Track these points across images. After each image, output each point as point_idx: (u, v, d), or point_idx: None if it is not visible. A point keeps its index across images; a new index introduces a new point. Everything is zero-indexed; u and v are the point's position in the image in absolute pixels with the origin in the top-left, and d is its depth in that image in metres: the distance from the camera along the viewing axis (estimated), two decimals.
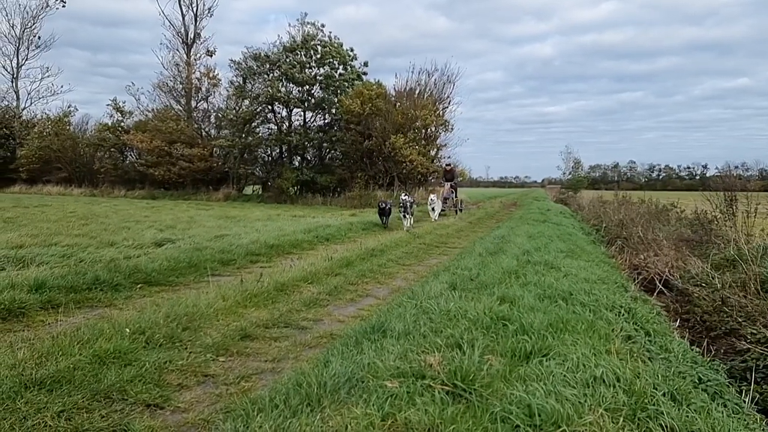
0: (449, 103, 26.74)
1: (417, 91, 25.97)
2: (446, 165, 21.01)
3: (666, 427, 2.34)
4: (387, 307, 4.61)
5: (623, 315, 4.26)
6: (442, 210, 18.08)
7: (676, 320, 5.39)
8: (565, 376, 2.69)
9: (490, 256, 7.37)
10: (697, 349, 3.92)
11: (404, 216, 12.85)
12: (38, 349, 3.21)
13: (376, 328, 3.70)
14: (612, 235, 12.03)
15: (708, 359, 3.77)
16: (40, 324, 4.22)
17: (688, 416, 2.49)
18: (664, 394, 2.64)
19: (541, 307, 4.10)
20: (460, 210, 19.60)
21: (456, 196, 19.78)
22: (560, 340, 3.25)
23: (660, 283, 6.84)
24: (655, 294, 6.50)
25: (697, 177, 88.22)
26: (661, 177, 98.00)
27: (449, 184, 19.53)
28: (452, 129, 26.78)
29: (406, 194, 14.61)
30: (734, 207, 9.42)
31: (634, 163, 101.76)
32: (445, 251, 9.66)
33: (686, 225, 11.50)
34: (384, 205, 12.86)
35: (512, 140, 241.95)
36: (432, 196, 15.99)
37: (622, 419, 2.32)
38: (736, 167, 21.19)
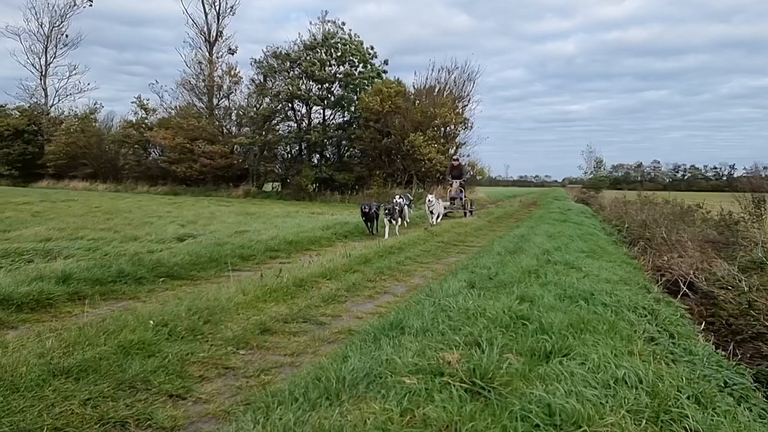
0: (469, 101, 26.65)
1: (437, 89, 25.89)
2: (453, 160, 18.54)
3: (690, 430, 2.30)
4: (405, 304, 4.61)
5: (646, 316, 4.19)
6: (449, 211, 16.58)
7: (701, 323, 5.27)
8: (585, 376, 2.66)
9: (509, 255, 7.31)
10: (723, 353, 3.84)
11: (389, 221, 11.11)
12: (65, 339, 3.29)
13: (394, 325, 3.71)
14: (634, 236, 11.82)
15: (734, 363, 3.68)
16: (66, 315, 4.34)
17: (713, 420, 2.44)
18: (688, 397, 2.59)
19: (561, 306, 4.06)
20: (470, 212, 17.18)
21: (465, 196, 17.57)
22: (581, 341, 3.21)
23: (684, 285, 6.70)
24: (678, 296, 6.37)
25: (724, 178, 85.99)
26: (686, 177, 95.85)
27: (457, 182, 17.27)
28: (472, 127, 26.68)
29: (401, 196, 12.88)
30: (762, 208, 9.18)
31: (658, 162, 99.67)
32: (463, 250, 9.62)
33: (712, 226, 11.25)
34: (368, 208, 11.22)
35: (532, 139, 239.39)
36: (429, 196, 13.78)
37: (644, 421, 2.28)
38: (765, 168, 20.59)
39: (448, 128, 25.56)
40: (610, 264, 6.78)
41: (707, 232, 10.49)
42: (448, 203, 16.59)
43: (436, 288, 5.06)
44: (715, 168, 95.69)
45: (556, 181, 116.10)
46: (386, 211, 11.10)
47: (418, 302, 4.46)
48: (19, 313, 4.20)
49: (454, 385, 2.55)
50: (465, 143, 26.95)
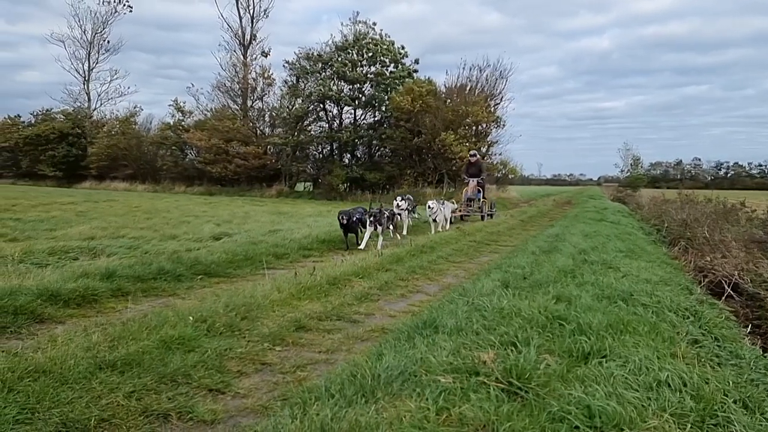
0: (501, 99, 26.36)
1: (468, 88, 25.73)
2: (470, 156, 16.04)
3: None
4: (438, 303, 4.59)
5: (688, 318, 4.06)
6: (467, 215, 14.87)
7: (747, 326, 5.06)
8: (626, 378, 2.60)
9: (543, 255, 7.20)
10: None
11: (373, 229, 9.00)
12: (110, 333, 3.41)
13: (427, 324, 3.70)
14: (674, 236, 11.44)
15: None
16: (110, 310, 4.50)
17: (761, 425, 2.35)
18: (735, 402, 2.50)
19: (600, 307, 3.97)
20: (490, 216, 15.14)
21: (484, 197, 15.32)
22: (620, 342, 3.14)
23: (729, 286, 6.45)
24: (723, 298, 6.14)
25: None
26: (729, 175, 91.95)
27: (474, 180, 15.07)
28: (504, 125, 26.36)
29: (402, 197, 11.24)
30: None
31: (699, 160, 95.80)
32: (495, 249, 9.51)
33: (758, 226, 10.78)
34: (346, 219, 8.65)
35: (566, 137, 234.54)
36: (430, 202, 11.43)
37: (689, 425, 2.22)
38: None
39: (479, 127, 25.33)
40: (650, 264, 6.59)
41: (753, 231, 10.07)
42: (456, 206, 14.21)
43: (469, 287, 5.02)
44: (761, 165, 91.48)
45: (591, 179, 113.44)
46: (370, 218, 8.89)
47: (452, 301, 4.44)
48: (66, 309, 4.37)
49: (490, 385, 2.53)
50: (497, 141, 26.71)
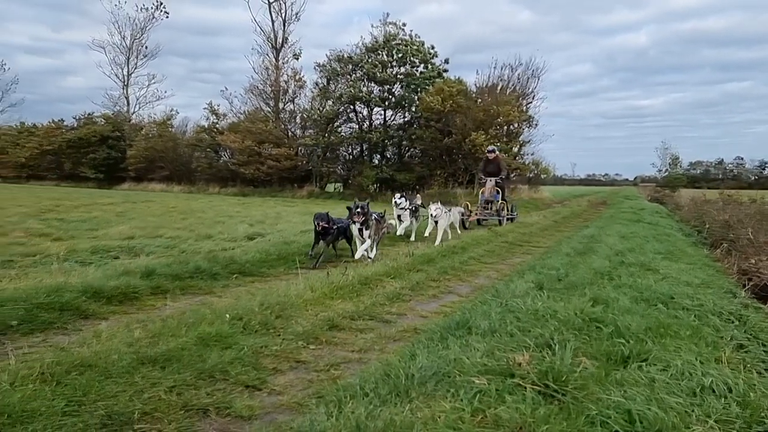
0: (533, 98, 25.95)
1: (499, 87, 25.45)
2: (488, 152, 14.20)
3: None
4: (470, 304, 4.56)
5: (733, 322, 3.91)
6: (485, 219, 13.47)
7: None
8: (668, 383, 2.52)
9: (578, 256, 7.06)
10: None
11: (359, 236, 7.13)
12: (150, 330, 3.51)
13: (460, 325, 3.68)
14: (716, 237, 11.03)
15: None
16: (150, 307, 4.64)
17: None
18: None
19: (638, 310, 3.87)
20: (510, 220, 13.59)
21: (503, 199, 13.68)
22: (661, 346, 3.05)
23: None
24: None
25: None
26: None
27: (493, 180, 13.48)
28: (536, 125, 25.95)
29: (404, 196, 9.82)
30: None
31: (742, 159, 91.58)
32: (528, 250, 9.38)
33: None
34: (322, 224, 7.04)
35: (600, 136, 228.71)
36: (433, 206, 9.40)
37: None
38: None
39: (511, 126, 25.01)
40: (690, 266, 6.37)
41: None
42: (463, 209, 12.42)
43: (502, 288, 4.97)
44: None
45: (627, 179, 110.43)
46: (358, 217, 6.95)
47: (485, 302, 4.40)
48: (108, 305, 4.53)
49: (525, 387, 2.49)
50: (529, 141, 26.30)
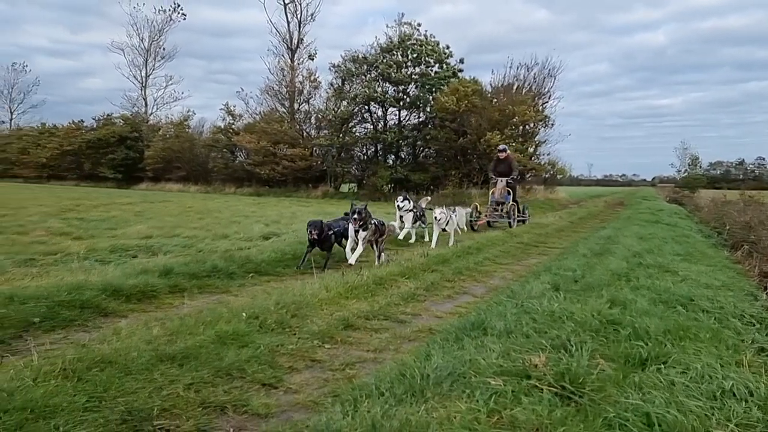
0: (549, 98, 25.71)
1: (515, 87, 25.27)
2: (499, 151, 13.69)
3: None
4: (486, 305, 4.54)
5: (754, 325, 3.84)
6: (495, 221, 12.99)
7: None
8: (687, 386, 2.49)
9: (595, 257, 6.99)
10: None
11: (354, 239, 6.82)
12: (169, 327, 3.56)
13: (475, 325, 3.67)
14: (737, 239, 10.83)
15: None
16: (168, 306, 4.70)
17: None
18: None
19: (656, 312, 3.83)
20: (521, 222, 13.12)
21: (514, 200, 13.07)
22: (680, 348, 3.01)
23: None
24: None
25: None
26: None
27: (504, 180, 12.95)
28: (552, 125, 25.71)
29: (407, 198, 9.42)
30: None
31: (763, 159, 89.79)
32: (544, 251, 9.30)
33: None
34: (315, 232, 6.67)
35: (618, 136, 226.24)
36: (437, 210, 8.93)
37: None
38: None
39: (527, 126, 24.82)
40: (710, 268, 6.27)
41: None
42: (470, 209, 12.22)
43: (517, 289, 4.94)
44: None
45: (644, 180, 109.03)
46: (356, 223, 6.68)
47: (500, 303, 4.38)
48: (127, 303, 4.60)
49: (542, 389, 2.48)
50: (545, 141, 26.06)
